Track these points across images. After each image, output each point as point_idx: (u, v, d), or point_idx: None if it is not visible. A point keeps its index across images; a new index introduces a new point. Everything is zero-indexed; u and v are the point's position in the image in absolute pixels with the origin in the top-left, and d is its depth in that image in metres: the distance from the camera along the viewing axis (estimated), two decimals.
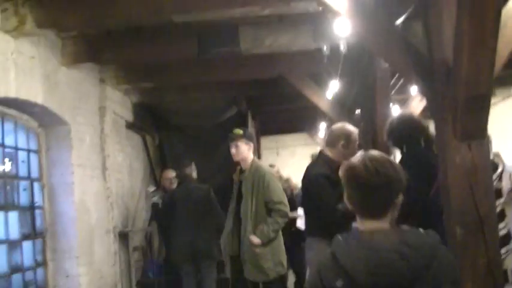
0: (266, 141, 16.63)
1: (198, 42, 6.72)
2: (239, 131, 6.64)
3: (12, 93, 5.58)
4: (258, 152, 13.96)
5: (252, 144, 6.71)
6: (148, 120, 10.73)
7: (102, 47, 6.97)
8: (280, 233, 6.57)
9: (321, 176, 5.39)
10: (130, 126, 9.63)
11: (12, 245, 6.14)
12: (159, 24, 6.52)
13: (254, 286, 6.66)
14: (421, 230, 2.55)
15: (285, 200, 6.56)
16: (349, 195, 2.62)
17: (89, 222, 7.22)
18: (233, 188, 6.83)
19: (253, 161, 6.68)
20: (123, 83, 8.51)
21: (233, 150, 6.61)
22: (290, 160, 16.68)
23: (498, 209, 5.28)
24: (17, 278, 6.16)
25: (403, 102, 8.70)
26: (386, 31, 3.95)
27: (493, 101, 10.35)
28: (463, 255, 3.43)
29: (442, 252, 2.48)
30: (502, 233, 5.42)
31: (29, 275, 6.42)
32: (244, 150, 6.59)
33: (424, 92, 3.84)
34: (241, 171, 6.73)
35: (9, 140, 6.21)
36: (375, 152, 2.65)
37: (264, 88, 9.91)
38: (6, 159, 6.17)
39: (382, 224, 2.57)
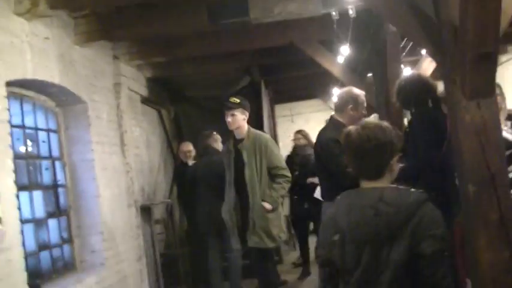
0: (280, 109, 16.69)
1: (208, 14, 6.76)
2: (236, 100, 6.73)
3: (29, 75, 5.68)
4: (273, 120, 14.06)
5: (247, 114, 6.74)
6: (162, 94, 10.83)
7: (114, 24, 7.01)
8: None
9: (331, 140, 5.51)
10: (145, 101, 9.73)
11: (39, 224, 6.28)
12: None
13: (258, 254, 6.82)
14: (409, 189, 2.83)
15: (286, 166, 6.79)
16: (348, 160, 2.96)
17: (111, 198, 7.36)
18: (228, 158, 6.86)
19: (249, 129, 6.74)
20: (136, 58, 8.58)
21: (229, 119, 6.66)
22: (305, 126, 16.64)
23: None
24: (45, 255, 6.30)
25: (414, 63, 8.73)
26: None
27: (505, 58, 10.35)
28: (476, 211, 3.52)
29: (424, 210, 2.75)
30: None
31: (56, 252, 6.57)
32: (240, 119, 6.65)
33: (433, 53, 3.91)
34: (236, 140, 6.78)
35: (28, 121, 6.33)
36: (369, 120, 3.14)
37: (275, 56, 9.94)
38: (28, 140, 6.30)
39: (379, 185, 2.88)
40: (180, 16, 6.96)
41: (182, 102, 11.53)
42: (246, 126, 6.69)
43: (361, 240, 2.79)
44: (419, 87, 5.23)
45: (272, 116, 14.17)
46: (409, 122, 5.31)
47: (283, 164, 6.76)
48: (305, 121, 16.95)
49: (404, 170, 3.26)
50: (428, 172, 4.79)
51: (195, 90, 11.40)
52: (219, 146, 8.28)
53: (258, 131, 6.90)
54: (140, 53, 8.53)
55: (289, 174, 6.71)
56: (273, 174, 6.60)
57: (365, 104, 5.93)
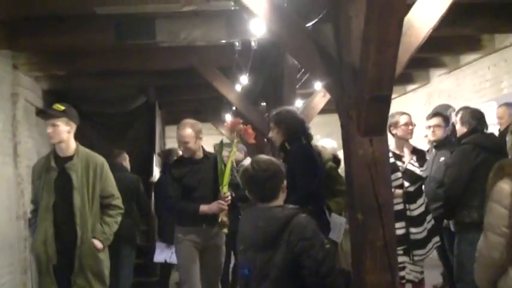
0: (171, 131, 16.81)
1: (116, 33, 6.89)
2: (60, 107, 5.30)
3: None
4: (163, 141, 14.23)
5: (73, 127, 5.32)
6: None
7: (19, 33, 7.04)
8: None
9: None
10: (39, 113, 9.63)
11: None
12: (79, 14, 6.67)
13: None
14: (285, 207, 3.56)
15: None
16: (247, 188, 3.71)
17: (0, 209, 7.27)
18: (46, 177, 5.26)
19: (78, 146, 5.35)
20: (35, 70, 8.58)
21: (49, 130, 5.21)
22: None
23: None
24: None
25: (308, 96, 9.13)
26: (299, 33, 4.29)
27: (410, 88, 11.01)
28: (363, 237, 3.87)
29: (295, 221, 3.42)
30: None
31: None
32: (63, 131, 5.19)
33: (332, 90, 4.22)
34: (59, 158, 5.28)
35: None
36: (261, 156, 3.80)
37: (174, 78, 10.15)
38: None
39: (272, 204, 3.57)
40: (87, 31, 7.05)
41: (79, 117, 11.46)
42: (72, 141, 5.29)
43: (251, 248, 3.54)
44: (298, 124, 5.52)
45: (163, 137, 14.36)
46: (284, 159, 5.44)
47: (118, 192, 5.49)
48: None
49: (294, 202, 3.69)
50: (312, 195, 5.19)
51: (92, 106, 11.38)
52: (127, 164, 8.29)
53: (90, 151, 5.50)
54: (40, 64, 8.53)
55: (122, 206, 5.50)
56: (105, 205, 5.35)
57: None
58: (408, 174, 5.73)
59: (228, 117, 13.35)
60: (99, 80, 10.03)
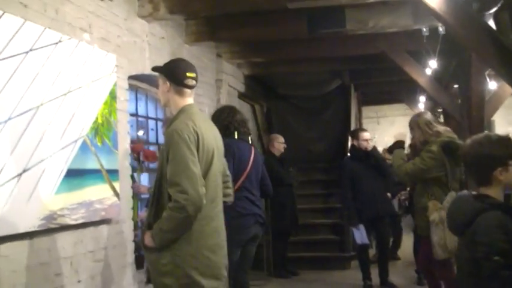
0: (367, 111, 17.22)
1: (308, 24, 7.35)
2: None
3: (147, 71, 6.45)
4: (359, 121, 14.59)
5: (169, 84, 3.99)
6: (257, 91, 11.53)
7: (220, 27, 7.76)
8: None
9: None
10: (241, 96, 10.45)
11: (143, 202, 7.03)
12: (272, 8, 7.21)
13: None
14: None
15: (187, 183, 3.61)
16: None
17: None
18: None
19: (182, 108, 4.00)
20: (237, 57, 9.33)
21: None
22: (390, 129, 17.16)
23: None
24: None
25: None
26: (473, 24, 4.44)
27: None
28: None
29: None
30: None
31: None
32: (163, 90, 4.06)
33: (508, 80, 4.34)
34: None
35: (141, 110, 7.13)
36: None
37: (366, 63, 10.45)
38: (139, 128, 7.08)
39: (482, 192, 3.19)
40: (281, 24, 7.60)
41: (275, 99, 12.23)
42: (175, 100, 4.04)
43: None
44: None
45: (359, 117, 14.71)
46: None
47: (181, 178, 3.68)
48: (390, 123, 17.36)
49: None
50: None
51: (288, 89, 12.08)
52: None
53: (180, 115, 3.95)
54: (240, 53, 9.26)
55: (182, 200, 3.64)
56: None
57: None
58: None
59: (422, 99, 13.41)
60: (294, 66, 10.64)
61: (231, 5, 6.59)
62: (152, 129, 7.38)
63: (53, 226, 4.51)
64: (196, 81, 3.99)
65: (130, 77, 6.20)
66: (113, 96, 5.46)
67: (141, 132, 7.10)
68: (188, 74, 3.93)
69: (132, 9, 6.27)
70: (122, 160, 5.75)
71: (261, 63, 10.33)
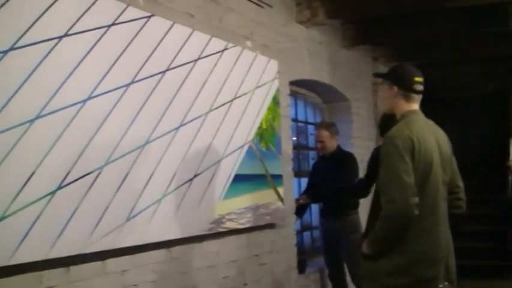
0: None
1: (468, 23, 7.08)
2: None
3: (306, 76, 6.48)
4: None
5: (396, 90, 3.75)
6: None
7: (376, 30, 7.66)
8: None
9: None
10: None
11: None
12: (430, 9, 6.99)
13: None
14: None
15: (396, 192, 3.45)
16: None
17: None
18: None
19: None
20: (393, 60, 9.13)
21: None
22: None
23: None
24: (307, 234, 7.20)
25: None
26: None
27: None
28: None
29: None
30: None
31: (316, 232, 7.35)
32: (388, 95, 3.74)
33: None
34: None
35: (300, 115, 7.17)
36: None
37: None
38: (299, 132, 7.14)
39: None
40: (436, 24, 7.36)
41: (427, 101, 11.88)
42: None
43: None
44: None
45: None
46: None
47: None
48: None
49: None
50: None
51: (441, 90, 11.71)
52: None
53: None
54: (395, 56, 9.08)
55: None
56: None
57: None
58: None
59: None
60: (450, 67, 10.26)
61: (388, 7, 6.46)
62: (311, 134, 7.40)
63: (221, 230, 4.60)
64: (423, 85, 3.75)
65: (291, 83, 6.24)
66: (275, 101, 5.50)
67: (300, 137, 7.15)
68: (416, 79, 3.72)
69: (291, 15, 6.31)
70: (285, 165, 5.79)
71: (416, 66, 10.05)
